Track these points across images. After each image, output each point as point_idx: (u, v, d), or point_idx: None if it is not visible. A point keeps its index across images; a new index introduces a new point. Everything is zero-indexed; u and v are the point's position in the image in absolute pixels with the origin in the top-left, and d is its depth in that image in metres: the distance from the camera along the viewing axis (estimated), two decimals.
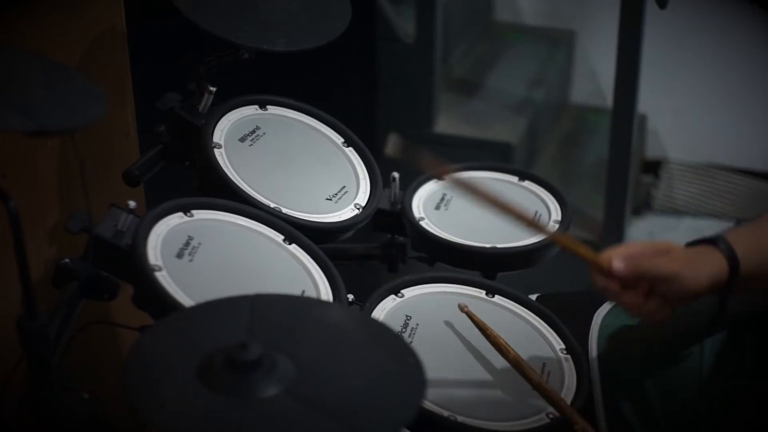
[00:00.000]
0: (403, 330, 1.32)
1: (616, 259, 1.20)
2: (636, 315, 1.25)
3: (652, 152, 3.30)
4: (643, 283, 1.21)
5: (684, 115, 3.27)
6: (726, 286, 1.22)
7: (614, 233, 2.66)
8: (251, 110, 1.54)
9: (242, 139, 1.49)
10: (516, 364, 1.25)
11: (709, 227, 3.24)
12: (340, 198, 1.50)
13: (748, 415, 1.27)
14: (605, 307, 1.40)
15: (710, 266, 1.21)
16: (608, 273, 1.20)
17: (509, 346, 1.27)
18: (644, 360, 1.31)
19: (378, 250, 1.61)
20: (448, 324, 1.35)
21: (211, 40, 1.43)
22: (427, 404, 1.21)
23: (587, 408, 1.27)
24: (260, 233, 1.35)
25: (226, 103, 1.51)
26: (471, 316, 1.29)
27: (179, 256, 1.25)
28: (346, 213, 1.48)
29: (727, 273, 1.21)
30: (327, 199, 1.48)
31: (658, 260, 1.21)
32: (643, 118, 3.19)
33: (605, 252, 1.22)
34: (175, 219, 1.29)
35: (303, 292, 1.29)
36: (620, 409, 1.29)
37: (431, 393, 1.20)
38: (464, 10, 3.10)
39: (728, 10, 3.10)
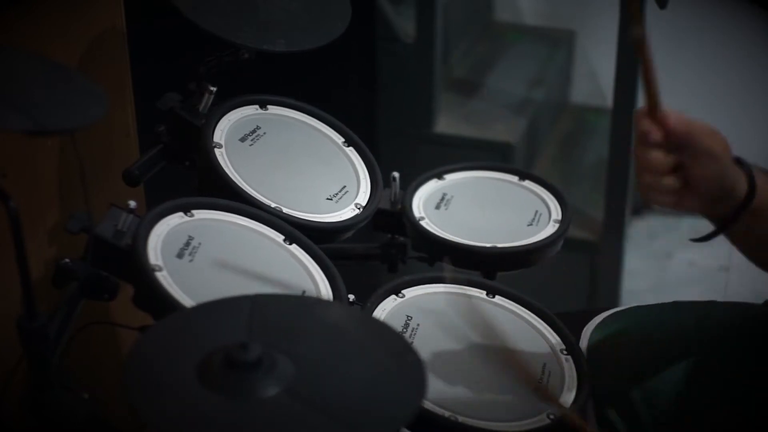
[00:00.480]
0: (404, 330, 1.32)
1: (674, 113, 1.19)
2: (649, 182, 1.19)
3: None
4: (679, 154, 1.17)
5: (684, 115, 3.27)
6: (741, 204, 1.19)
7: (614, 233, 2.66)
8: (251, 110, 1.54)
9: (242, 139, 1.49)
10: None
11: (708, 227, 3.24)
12: (340, 198, 1.50)
13: (733, 423, 1.27)
14: (593, 322, 1.40)
15: (736, 171, 1.19)
16: (659, 119, 1.18)
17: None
18: (631, 369, 1.32)
19: (378, 250, 1.61)
20: (448, 324, 1.35)
21: (211, 40, 1.43)
22: (428, 404, 1.21)
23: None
24: (260, 233, 1.35)
25: (226, 102, 1.51)
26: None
27: (179, 256, 1.25)
28: (346, 213, 1.48)
29: (745, 188, 1.18)
30: (327, 199, 1.48)
31: (706, 137, 1.17)
32: None
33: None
34: (176, 219, 1.29)
35: (303, 292, 1.29)
36: (608, 418, 1.30)
37: (432, 393, 1.20)
38: (464, 10, 3.11)
39: (728, 10, 3.10)
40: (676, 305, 1.43)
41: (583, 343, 1.38)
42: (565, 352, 1.34)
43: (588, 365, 1.32)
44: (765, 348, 1.29)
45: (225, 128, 1.48)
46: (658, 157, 1.18)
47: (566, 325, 1.38)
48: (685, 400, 1.28)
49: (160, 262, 1.21)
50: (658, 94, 1.20)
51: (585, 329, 1.40)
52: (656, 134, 1.18)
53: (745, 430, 1.26)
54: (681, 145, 1.17)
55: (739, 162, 1.20)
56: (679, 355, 1.31)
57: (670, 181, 1.17)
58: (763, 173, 1.23)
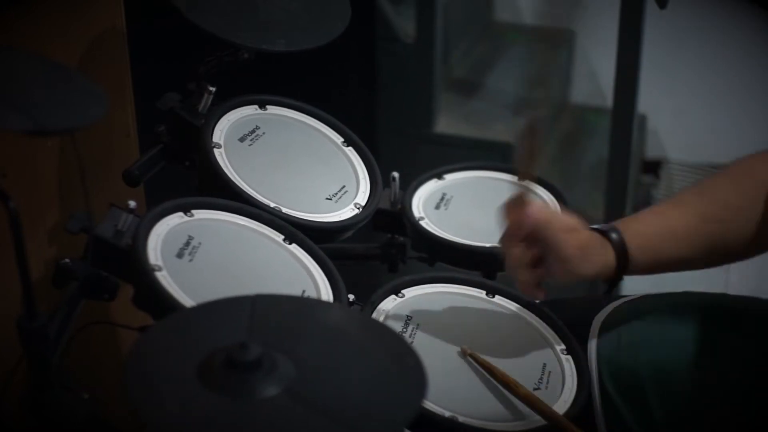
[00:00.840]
0: (404, 330, 1.32)
1: (535, 207, 1.22)
2: (509, 267, 1.25)
3: (652, 152, 3.30)
4: (536, 247, 1.23)
5: (684, 115, 3.27)
6: (611, 278, 1.26)
7: None
8: (251, 110, 1.54)
9: (242, 139, 1.49)
10: (526, 399, 1.24)
11: None
12: (340, 198, 1.50)
13: (746, 417, 1.27)
14: (605, 311, 1.40)
15: (599, 259, 1.24)
16: (519, 214, 1.22)
17: (518, 383, 1.25)
18: (643, 362, 1.31)
19: (378, 250, 1.61)
20: (448, 324, 1.35)
21: (211, 40, 1.43)
22: (428, 404, 1.20)
23: (587, 409, 1.27)
24: (260, 233, 1.35)
25: (225, 102, 1.51)
26: (476, 358, 1.28)
27: (179, 256, 1.25)
28: (346, 213, 1.48)
29: (614, 268, 1.25)
30: (327, 198, 1.48)
31: (562, 234, 1.22)
32: (643, 118, 3.19)
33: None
34: (175, 219, 1.29)
35: (303, 292, 1.29)
36: (618, 410, 1.29)
37: (432, 393, 1.19)
38: (464, 10, 3.11)
39: (728, 10, 3.10)
40: (687, 295, 1.42)
41: (594, 330, 1.37)
42: (565, 352, 1.34)
43: (597, 353, 1.32)
44: None
45: (224, 128, 1.48)
46: (515, 252, 1.24)
47: (575, 311, 1.37)
48: (699, 397, 1.27)
49: (159, 262, 1.21)
50: (527, 189, 1.24)
51: (596, 318, 1.39)
52: (514, 230, 1.23)
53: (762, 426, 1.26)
54: (537, 239, 1.22)
55: (605, 234, 1.26)
56: (693, 345, 1.31)
57: (526, 275, 1.24)
58: (650, 215, 1.30)
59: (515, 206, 1.24)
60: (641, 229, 1.28)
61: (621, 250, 1.25)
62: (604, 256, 1.25)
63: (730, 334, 1.31)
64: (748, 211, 1.30)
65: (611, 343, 1.35)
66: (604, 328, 1.37)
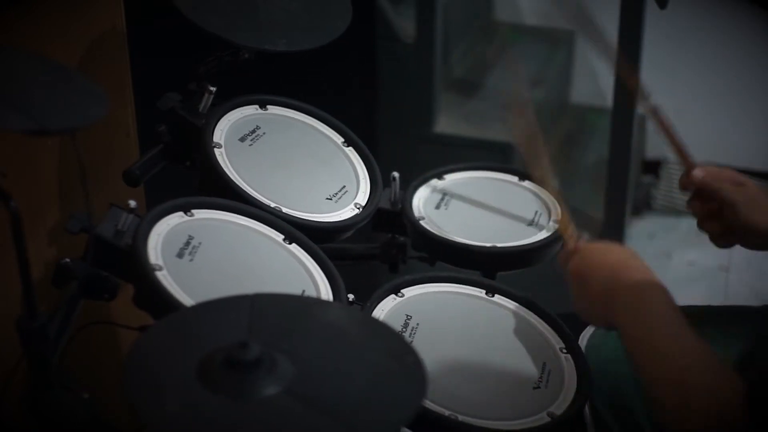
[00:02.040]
0: (404, 330, 1.32)
1: (700, 168, 1.35)
2: (699, 225, 1.35)
3: (652, 152, 3.30)
4: (713, 202, 1.32)
5: (684, 115, 3.27)
6: None
7: (614, 233, 2.66)
8: (251, 110, 1.54)
9: (242, 139, 1.49)
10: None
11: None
12: (340, 198, 1.50)
13: None
14: (590, 328, 1.40)
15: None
16: (689, 175, 1.34)
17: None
18: (628, 370, 1.31)
19: (378, 249, 1.61)
20: (448, 323, 1.35)
21: (211, 40, 1.43)
22: (428, 403, 1.21)
23: (579, 415, 1.27)
24: (260, 233, 1.35)
25: (226, 102, 1.51)
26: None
27: (179, 255, 1.25)
28: (346, 212, 1.48)
29: None
30: (327, 198, 1.49)
31: (728, 186, 1.32)
32: (643, 118, 3.19)
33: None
34: (176, 219, 1.29)
35: (303, 291, 1.29)
36: (604, 418, 1.30)
37: (432, 392, 1.20)
38: (464, 10, 3.11)
39: (728, 10, 3.10)
40: None
41: (583, 343, 1.37)
42: (564, 351, 1.34)
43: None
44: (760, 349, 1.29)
45: (225, 128, 1.48)
46: (695, 205, 1.36)
47: (566, 325, 1.37)
48: None
49: (160, 262, 1.21)
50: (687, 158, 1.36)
51: (585, 330, 1.39)
52: (689, 186, 1.35)
53: None
54: (710, 195, 1.33)
55: None
56: None
57: (714, 226, 1.34)
58: None
59: (686, 170, 1.35)
60: None
61: None
62: None
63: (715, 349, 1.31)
64: None
65: (596, 353, 1.35)
66: (591, 343, 1.38)
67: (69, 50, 1.51)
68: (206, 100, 1.50)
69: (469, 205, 1.58)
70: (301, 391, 0.91)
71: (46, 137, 1.44)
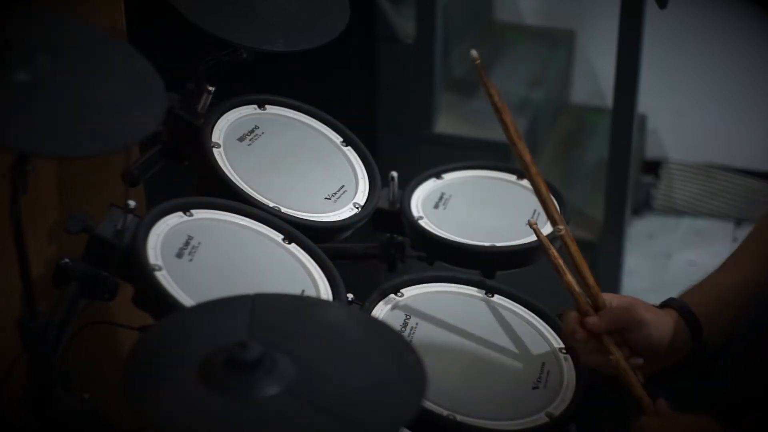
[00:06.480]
0: (403, 329, 1.32)
1: (595, 317, 1.25)
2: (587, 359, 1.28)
3: (652, 152, 3.30)
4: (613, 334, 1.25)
5: (684, 115, 3.27)
6: (693, 342, 1.27)
7: (614, 233, 2.66)
8: (250, 110, 1.54)
9: (241, 139, 1.49)
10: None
11: (708, 227, 3.25)
12: (339, 197, 1.50)
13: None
14: None
15: (670, 322, 1.26)
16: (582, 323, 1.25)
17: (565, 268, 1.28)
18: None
19: (377, 249, 1.61)
20: (447, 323, 1.35)
21: (211, 40, 1.43)
22: (427, 403, 1.21)
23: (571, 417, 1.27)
24: (260, 233, 1.35)
25: (225, 102, 1.51)
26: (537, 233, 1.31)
27: (179, 255, 1.25)
28: (345, 212, 1.48)
29: (685, 328, 1.26)
30: (326, 198, 1.49)
31: (629, 310, 1.25)
32: (643, 118, 3.19)
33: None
34: (175, 219, 1.29)
35: (303, 291, 1.29)
36: (594, 421, 1.30)
37: (431, 392, 1.20)
38: (464, 10, 3.10)
39: (728, 10, 3.10)
40: None
41: None
42: (564, 352, 1.34)
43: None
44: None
45: (223, 128, 1.48)
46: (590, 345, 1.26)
47: None
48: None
49: (159, 262, 1.21)
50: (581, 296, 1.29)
51: None
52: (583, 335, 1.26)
53: None
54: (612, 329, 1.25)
55: (667, 305, 1.29)
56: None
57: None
58: (705, 282, 1.34)
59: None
60: (697, 290, 1.33)
61: (684, 310, 1.28)
62: (672, 321, 1.27)
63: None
64: None
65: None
66: None
67: None
68: (205, 100, 1.50)
69: (468, 205, 1.58)
70: (302, 391, 0.91)
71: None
